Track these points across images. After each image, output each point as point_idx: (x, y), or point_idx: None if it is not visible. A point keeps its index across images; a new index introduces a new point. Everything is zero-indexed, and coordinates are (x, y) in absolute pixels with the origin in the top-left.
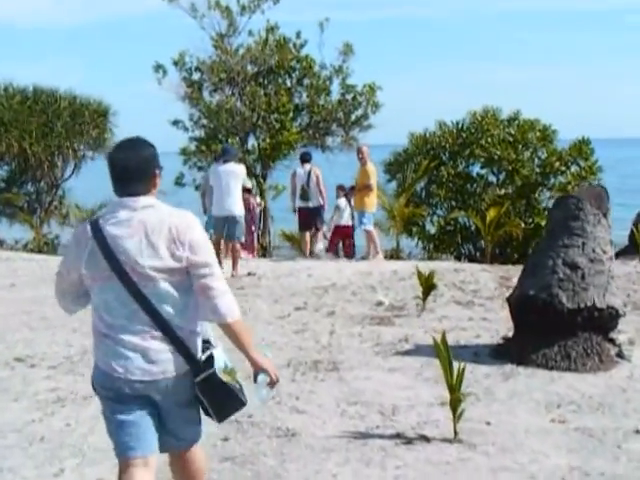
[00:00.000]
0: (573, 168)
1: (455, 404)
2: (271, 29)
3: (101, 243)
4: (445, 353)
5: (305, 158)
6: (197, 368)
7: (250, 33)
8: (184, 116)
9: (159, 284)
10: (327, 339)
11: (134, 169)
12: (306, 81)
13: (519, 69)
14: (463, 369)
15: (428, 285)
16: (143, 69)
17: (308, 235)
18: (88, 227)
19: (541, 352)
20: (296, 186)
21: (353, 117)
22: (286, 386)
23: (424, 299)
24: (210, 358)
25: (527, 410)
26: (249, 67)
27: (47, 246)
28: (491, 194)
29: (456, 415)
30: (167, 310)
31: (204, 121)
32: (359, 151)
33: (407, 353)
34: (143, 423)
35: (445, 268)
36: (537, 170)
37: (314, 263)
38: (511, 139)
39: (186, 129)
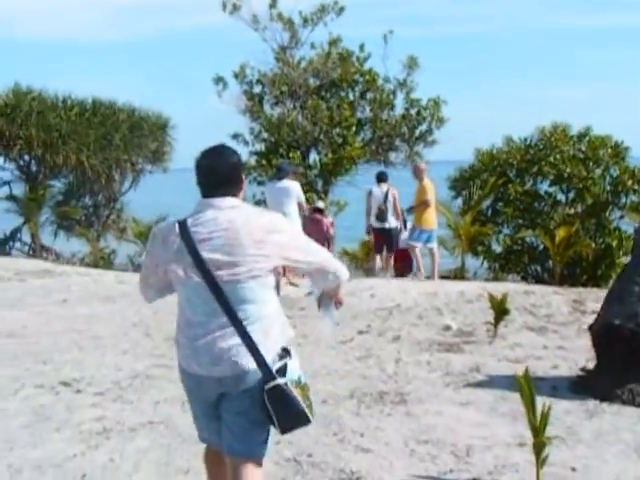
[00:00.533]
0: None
1: (539, 448)
2: (334, 42)
3: (187, 242)
4: (528, 390)
5: (381, 177)
6: (268, 374)
7: (312, 46)
8: (244, 130)
9: (240, 284)
10: (393, 367)
11: (221, 173)
12: (369, 95)
13: (583, 86)
14: (549, 409)
15: (500, 310)
16: (204, 83)
17: (379, 257)
18: (176, 226)
19: (628, 387)
20: (372, 206)
21: (417, 132)
22: (350, 420)
23: (495, 325)
24: (284, 368)
25: (616, 454)
26: (311, 80)
27: (103, 260)
28: (560, 213)
29: (539, 460)
30: (245, 312)
31: (265, 135)
32: (415, 169)
33: (479, 385)
34: (209, 416)
35: (514, 290)
36: (608, 188)
37: (377, 282)
38: (581, 156)
39: (246, 143)
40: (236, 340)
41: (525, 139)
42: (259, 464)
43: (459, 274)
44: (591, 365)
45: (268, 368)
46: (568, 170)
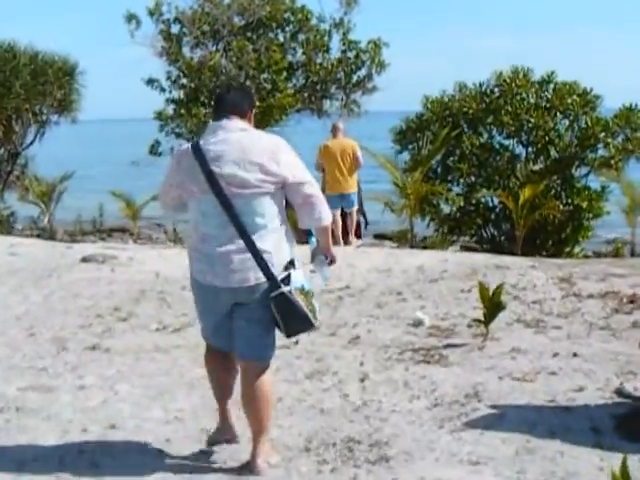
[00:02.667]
0: (616, 140)
1: None
2: None
3: (200, 160)
4: None
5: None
6: (274, 283)
7: None
8: (161, 75)
9: (249, 198)
10: (358, 392)
11: (231, 101)
12: (302, 36)
13: (539, 35)
14: None
15: (494, 304)
16: (119, 27)
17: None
18: (189, 148)
19: None
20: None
21: (355, 78)
22: None
23: (487, 324)
24: (288, 277)
25: None
26: (236, 19)
27: (0, 224)
28: (523, 170)
29: None
30: (252, 224)
31: (184, 80)
32: (334, 128)
33: (487, 423)
34: (222, 325)
35: (483, 264)
36: (575, 142)
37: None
38: (546, 104)
39: (163, 89)
40: (246, 253)
41: (480, 85)
42: (267, 365)
43: (405, 238)
44: (629, 386)
45: (274, 278)
46: (532, 121)
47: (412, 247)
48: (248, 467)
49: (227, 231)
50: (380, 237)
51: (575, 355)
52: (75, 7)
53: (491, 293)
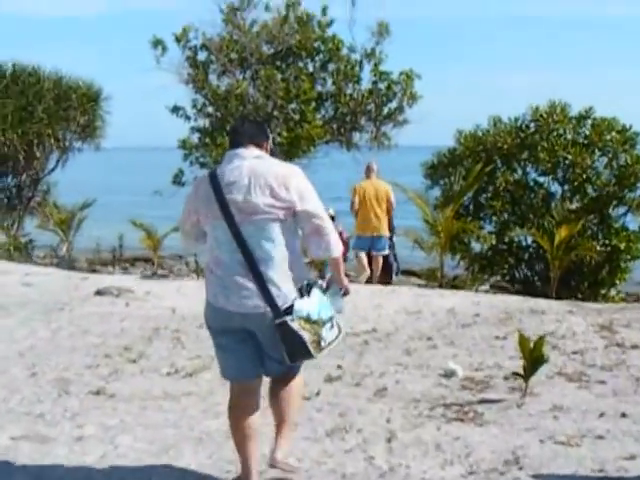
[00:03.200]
0: None
1: None
2: (292, 3)
3: (215, 187)
4: None
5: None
6: (276, 312)
7: (267, 7)
8: (186, 102)
9: (258, 224)
10: (384, 454)
11: (247, 130)
12: (332, 66)
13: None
14: None
15: (535, 357)
16: (146, 54)
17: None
18: (207, 175)
19: None
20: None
21: (386, 110)
22: None
23: (527, 378)
24: (291, 306)
25: None
26: (265, 47)
27: (19, 252)
28: (559, 208)
29: None
30: (260, 251)
31: (209, 109)
32: (367, 168)
33: None
34: (242, 353)
35: (516, 307)
36: (613, 180)
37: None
38: (583, 141)
39: (188, 118)
40: (251, 279)
41: (516, 120)
42: (297, 376)
43: (434, 276)
44: None
45: (276, 307)
46: (569, 157)
47: (441, 286)
48: (267, 460)
49: (236, 257)
50: (407, 273)
51: (624, 415)
52: (101, 32)
53: (532, 345)
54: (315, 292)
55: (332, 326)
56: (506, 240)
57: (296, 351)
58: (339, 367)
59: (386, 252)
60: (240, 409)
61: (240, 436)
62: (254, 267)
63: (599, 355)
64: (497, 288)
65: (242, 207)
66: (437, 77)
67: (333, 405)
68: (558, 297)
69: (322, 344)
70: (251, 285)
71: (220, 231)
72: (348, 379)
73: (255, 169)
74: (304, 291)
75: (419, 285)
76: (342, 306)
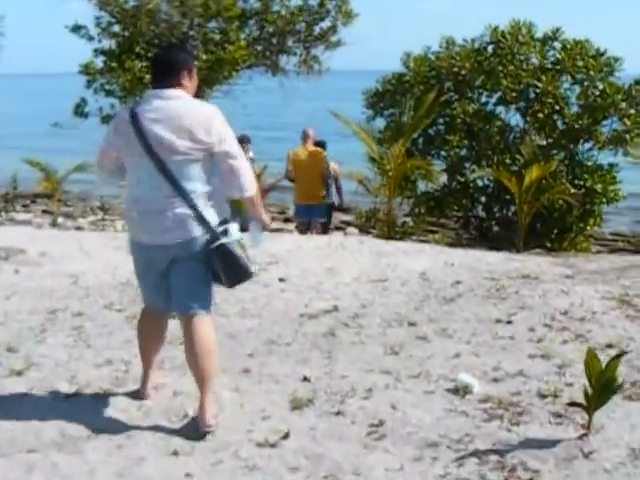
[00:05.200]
0: (632, 110)
1: None
2: None
3: (136, 127)
4: None
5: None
6: (213, 236)
7: None
8: (88, 21)
9: (183, 162)
10: None
11: (166, 64)
12: None
13: None
14: None
15: (607, 382)
16: None
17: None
18: (127, 114)
19: None
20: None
21: (317, 30)
22: None
23: (593, 410)
24: (226, 230)
25: None
26: None
27: None
28: (529, 144)
29: None
30: (188, 184)
31: (116, 28)
32: (304, 134)
33: None
34: (159, 284)
35: (502, 271)
36: (586, 112)
37: (284, 248)
38: (556, 66)
39: (91, 38)
40: (184, 210)
41: (473, 41)
42: (207, 317)
43: (377, 220)
44: None
45: (213, 231)
46: (539, 85)
47: (390, 237)
48: (194, 423)
49: (162, 192)
50: (346, 223)
51: None
52: None
53: (593, 361)
54: (234, 226)
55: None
56: (461, 180)
57: (236, 273)
58: (306, 379)
59: (324, 219)
60: (145, 327)
61: (144, 340)
62: (187, 199)
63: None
64: (451, 232)
65: (164, 147)
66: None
67: (312, 459)
68: (525, 246)
69: (249, 262)
70: (177, 215)
71: (143, 169)
72: (323, 403)
73: (176, 111)
74: (225, 221)
75: (365, 232)
76: (261, 239)
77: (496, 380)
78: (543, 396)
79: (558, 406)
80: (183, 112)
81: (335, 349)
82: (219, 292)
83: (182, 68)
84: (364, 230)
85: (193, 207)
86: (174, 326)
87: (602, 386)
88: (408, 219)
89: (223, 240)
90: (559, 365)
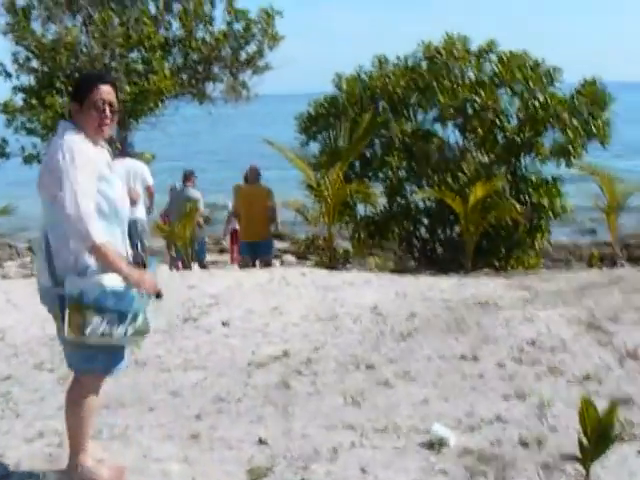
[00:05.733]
0: (575, 121)
1: None
2: None
3: None
4: None
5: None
6: (56, 285)
7: None
8: (5, 57)
9: (45, 204)
10: None
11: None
12: (177, 5)
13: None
14: None
15: (602, 432)
16: None
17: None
18: None
19: None
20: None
21: (244, 55)
22: None
23: (589, 461)
24: (62, 282)
25: None
26: None
27: None
28: (471, 162)
29: None
30: (46, 227)
31: (34, 63)
32: (251, 171)
33: None
34: None
35: (458, 299)
36: (526, 125)
37: (224, 286)
38: (495, 80)
39: (8, 75)
40: (43, 253)
41: (406, 58)
42: (84, 380)
43: (316, 248)
44: None
45: (55, 279)
46: (477, 100)
47: (332, 266)
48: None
49: (40, 233)
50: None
51: None
52: None
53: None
54: (110, 277)
55: (122, 323)
56: (401, 202)
57: (59, 326)
58: (262, 442)
59: (269, 256)
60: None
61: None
62: (42, 243)
63: (624, 380)
64: (394, 256)
65: (39, 185)
66: (297, 18)
67: None
68: (473, 266)
69: (86, 330)
70: (42, 260)
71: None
72: (284, 469)
73: (49, 147)
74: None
75: (304, 258)
76: (139, 307)
77: (472, 429)
78: (526, 444)
79: (544, 455)
80: (49, 148)
81: (290, 403)
82: (161, 342)
83: (71, 100)
84: (302, 257)
85: (47, 252)
86: (112, 387)
87: (599, 436)
88: (348, 244)
89: (59, 290)
90: (537, 405)
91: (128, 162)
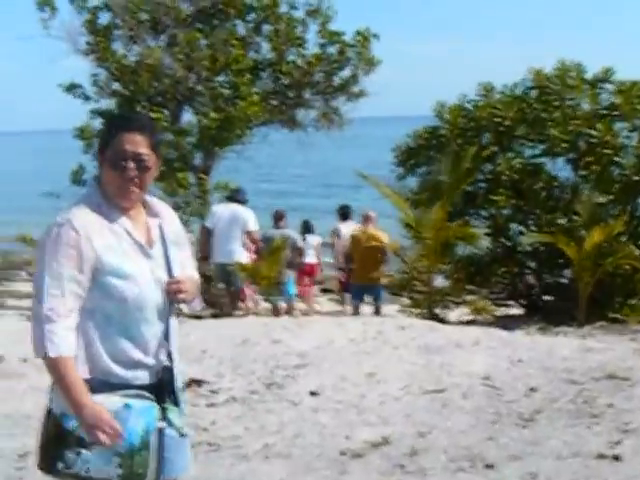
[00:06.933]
0: None
1: None
2: None
3: None
4: None
5: (347, 213)
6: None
7: None
8: (84, 78)
9: None
10: None
11: None
12: (268, 27)
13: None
14: None
15: None
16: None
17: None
18: None
19: None
20: (339, 248)
21: (337, 80)
22: None
23: None
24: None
25: None
26: (183, 5)
27: None
28: (587, 202)
29: None
30: None
31: (115, 85)
32: (365, 217)
33: None
34: None
35: (584, 369)
36: None
37: (314, 344)
38: (611, 112)
39: (87, 98)
40: None
41: (514, 87)
42: None
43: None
44: None
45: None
46: (594, 134)
47: (432, 315)
48: None
49: None
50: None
51: None
52: None
53: None
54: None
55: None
56: (506, 243)
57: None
58: None
59: (378, 302)
60: None
61: None
62: None
63: None
64: (494, 303)
65: None
66: (390, 43)
67: None
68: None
69: (58, 465)
70: None
71: None
72: None
73: None
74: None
75: (399, 298)
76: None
77: None
78: None
79: None
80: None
81: None
82: (241, 417)
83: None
84: (396, 293)
85: None
86: None
87: None
88: (445, 283)
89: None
90: None
91: (233, 207)
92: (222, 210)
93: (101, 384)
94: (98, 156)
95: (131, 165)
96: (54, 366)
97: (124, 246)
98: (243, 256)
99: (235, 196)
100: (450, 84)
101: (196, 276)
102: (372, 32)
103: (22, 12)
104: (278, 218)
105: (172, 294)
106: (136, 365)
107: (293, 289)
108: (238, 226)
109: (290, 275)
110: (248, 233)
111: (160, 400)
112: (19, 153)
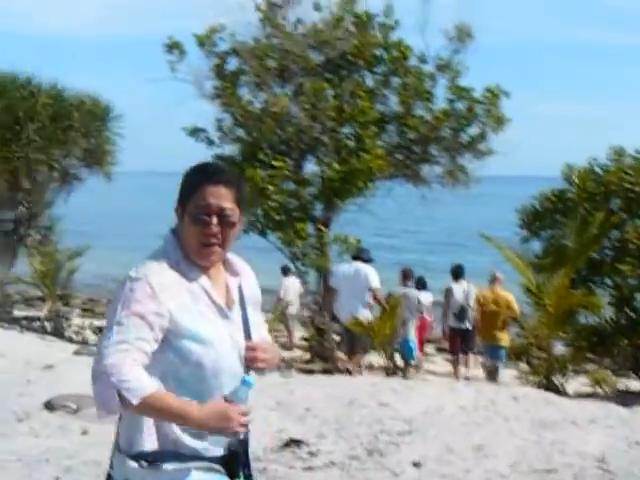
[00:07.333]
0: None
1: None
2: (348, 1)
3: None
4: None
5: (459, 273)
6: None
7: (316, 6)
8: (209, 123)
9: None
10: None
11: None
12: (397, 80)
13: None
14: None
15: None
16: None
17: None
18: None
19: None
20: (451, 306)
21: (465, 137)
22: None
23: None
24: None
25: None
26: (312, 54)
27: None
28: None
29: None
30: None
31: (239, 131)
32: (492, 278)
33: None
34: None
35: None
36: None
37: (421, 409)
38: None
39: (211, 142)
40: None
41: None
42: None
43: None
44: None
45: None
46: None
47: (550, 384)
48: None
49: None
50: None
51: None
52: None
53: None
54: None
55: None
56: (630, 314)
57: None
58: None
59: (500, 363)
60: None
61: None
62: None
63: None
64: (615, 374)
65: None
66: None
67: None
68: None
69: None
70: None
71: None
72: None
73: None
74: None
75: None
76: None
77: None
78: None
79: None
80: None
81: None
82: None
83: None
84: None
85: None
86: None
87: None
88: (564, 350)
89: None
90: None
91: (356, 265)
92: (346, 269)
93: (171, 455)
94: (178, 208)
95: (214, 220)
96: (145, 410)
97: (201, 307)
98: (366, 314)
99: (360, 255)
100: (580, 144)
101: (269, 338)
102: (502, 89)
103: (151, 55)
104: (405, 277)
105: (251, 361)
106: (206, 435)
107: (415, 349)
108: (361, 284)
109: (414, 336)
110: (372, 291)
111: (233, 474)
112: (147, 192)
